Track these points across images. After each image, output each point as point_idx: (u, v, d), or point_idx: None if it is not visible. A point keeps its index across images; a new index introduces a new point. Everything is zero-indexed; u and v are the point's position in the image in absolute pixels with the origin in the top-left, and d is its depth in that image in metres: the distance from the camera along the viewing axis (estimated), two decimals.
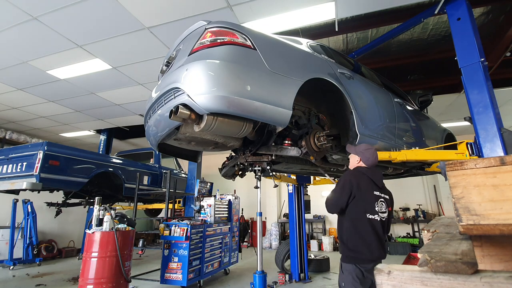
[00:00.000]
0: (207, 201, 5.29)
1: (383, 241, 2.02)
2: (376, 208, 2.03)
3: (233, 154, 2.83)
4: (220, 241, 5.26)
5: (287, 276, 5.00)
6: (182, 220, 4.65)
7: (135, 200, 5.30)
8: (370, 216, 2.00)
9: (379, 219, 2.01)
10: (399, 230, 8.73)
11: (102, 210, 3.58)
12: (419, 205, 8.55)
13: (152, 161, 6.69)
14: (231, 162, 2.75)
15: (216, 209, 5.31)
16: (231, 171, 2.89)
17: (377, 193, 2.08)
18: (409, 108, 3.44)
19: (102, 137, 8.29)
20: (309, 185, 5.60)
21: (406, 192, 8.85)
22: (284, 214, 9.64)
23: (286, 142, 2.29)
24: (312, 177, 5.30)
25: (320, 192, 9.50)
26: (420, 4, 3.42)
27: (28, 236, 6.65)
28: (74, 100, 6.03)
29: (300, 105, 2.22)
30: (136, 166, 5.94)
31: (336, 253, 8.25)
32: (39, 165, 4.07)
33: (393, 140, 2.83)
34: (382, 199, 2.09)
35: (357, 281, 1.91)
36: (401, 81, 5.49)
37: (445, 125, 4.69)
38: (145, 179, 6.03)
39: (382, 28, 4.13)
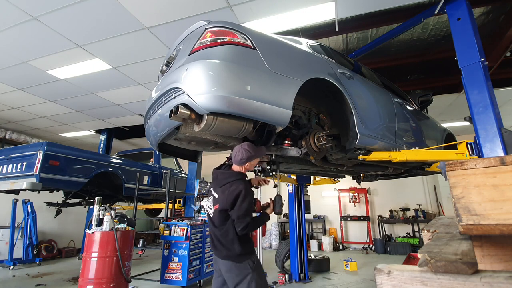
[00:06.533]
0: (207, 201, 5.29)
1: (212, 237, 2.16)
2: (208, 203, 2.27)
3: None
4: None
5: (287, 276, 5.00)
6: (182, 220, 4.66)
7: (135, 200, 5.30)
8: (207, 209, 2.29)
9: (209, 214, 2.22)
10: (399, 230, 8.74)
11: (102, 210, 3.58)
12: (419, 205, 8.56)
13: (152, 161, 6.69)
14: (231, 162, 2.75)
15: None
16: None
17: (211, 189, 2.25)
18: (409, 108, 3.44)
19: (102, 137, 8.30)
20: (309, 185, 5.60)
21: (406, 192, 8.86)
22: (284, 214, 9.64)
23: (286, 142, 2.29)
24: (312, 177, 5.31)
25: (320, 192, 9.52)
26: (420, 4, 3.42)
27: (28, 236, 6.66)
28: (74, 100, 6.03)
29: (300, 105, 2.22)
30: (136, 166, 5.94)
31: (336, 253, 8.25)
32: (39, 165, 4.07)
33: (393, 140, 2.83)
34: (211, 196, 2.23)
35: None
36: (401, 81, 5.49)
37: (445, 125, 4.69)
38: (145, 179, 6.03)
39: (382, 28, 4.13)
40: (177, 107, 1.68)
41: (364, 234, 9.01)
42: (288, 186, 5.51)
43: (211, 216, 2.18)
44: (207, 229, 4.87)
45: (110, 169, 5.28)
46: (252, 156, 2.09)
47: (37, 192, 4.70)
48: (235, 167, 2.17)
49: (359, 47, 4.48)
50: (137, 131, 8.16)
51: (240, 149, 2.08)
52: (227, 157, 2.90)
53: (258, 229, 3.66)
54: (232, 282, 2.03)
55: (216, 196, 2.13)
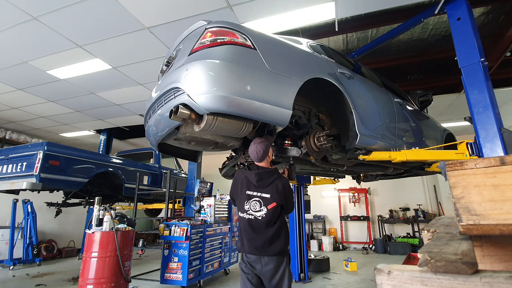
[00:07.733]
0: (207, 201, 5.29)
1: (258, 239, 2.05)
2: (246, 207, 2.12)
3: (233, 154, 2.83)
4: (220, 241, 5.27)
5: None
6: (182, 220, 4.65)
7: (135, 200, 5.30)
8: (242, 215, 2.15)
9: (252, 217, 2.09)
10: (399, 230, 8.74)
11: (102, 210, 3.58)
12: (419, 205, 8.56)
13: (152, 161, 6.69)
14: (231, 162, 2.75)
15: (216, 209, 5.31)
16: (231, 171, 2.89)
17: (250, 192, 2.14)
18: (409, 108, 3.44)
19: (102, 137, 8.30)
20: (309, 185, 5.60)
21: (406, 192, 8.86)
22: None
23: (286, 142, 2.29)
24: (312, 177, 5.31)
25: (320, 192, 9.52)
26: (420, 4, 3.42)
27: (28, 236, 6.65)
28: (74, 100, 6.03)
29: (300, 105, 2.22)
30: (136, 166, 5.94)
31: (336, 253, 8.25)
32: (39, 165, 4.07)
33: (393, 140, 2.83)
34: (257, 198, 2.11)
35: (242, 264, 2.14)
36: (401, 81, 5.49)
37: (445, 125, 4.69)
38: (145, 179, 6.03)
39: (382, 28, 4.13)
40: (177, 107, 1.68)
41: (364, 234, 9.01)
42: None
43: (260, 218, 2.06)
44: (208, 229, 4.87)
45: (110, 169, 5.27)
46: (268, 145, 2.12)
47: (37, 192, 4.70)
48: (264, 163, 2.19)
49: (359, 47, 4.48)
50: (137, 131, 8.16)
51: (254, 146, 2.09)
52: (227, 157, 2.91)
53: None
54: (272, 275, 2.01)
55: (268, 195, 2.09)
